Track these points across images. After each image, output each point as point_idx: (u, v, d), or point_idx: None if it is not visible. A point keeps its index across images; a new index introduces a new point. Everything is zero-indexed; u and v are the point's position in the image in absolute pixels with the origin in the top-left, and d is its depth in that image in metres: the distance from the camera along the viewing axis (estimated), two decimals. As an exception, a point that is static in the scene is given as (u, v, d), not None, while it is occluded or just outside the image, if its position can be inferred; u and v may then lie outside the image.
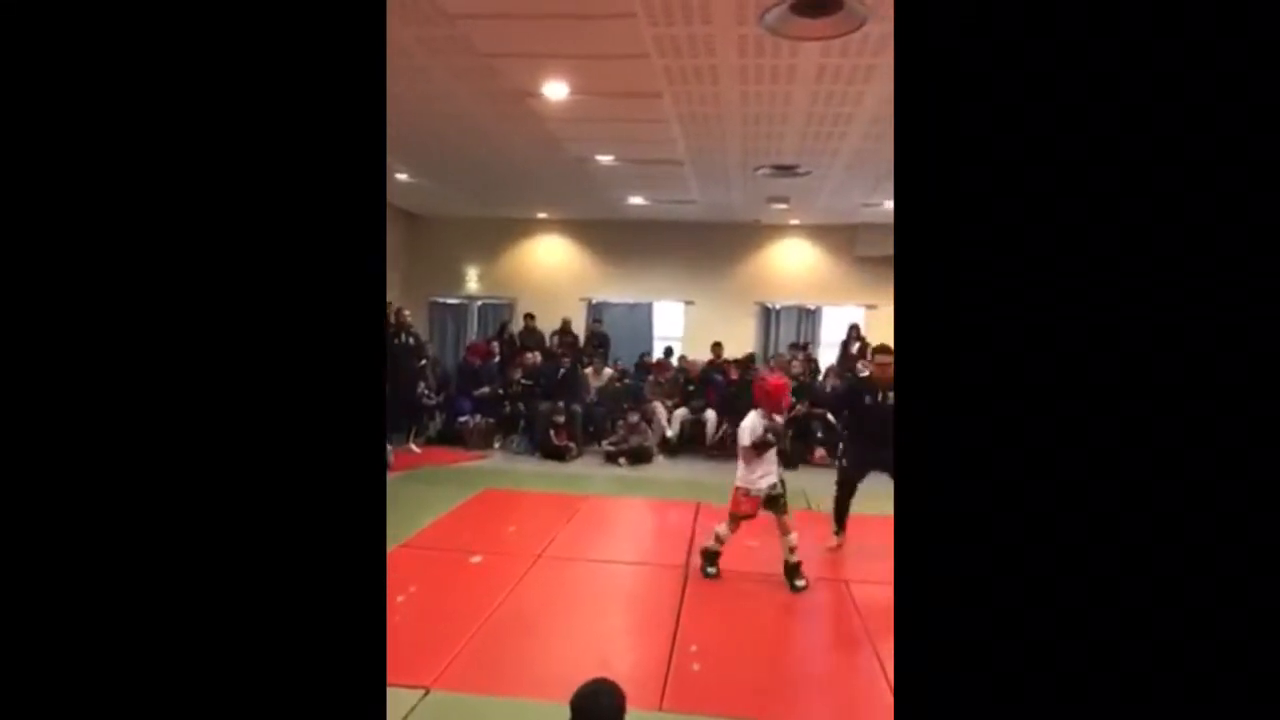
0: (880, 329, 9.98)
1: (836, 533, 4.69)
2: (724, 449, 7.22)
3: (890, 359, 4.81)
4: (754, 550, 4.36)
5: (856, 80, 4.63)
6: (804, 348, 9.51)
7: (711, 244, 10.32)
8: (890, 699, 2.84)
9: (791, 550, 3.93)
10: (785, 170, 6.96)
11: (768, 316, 10.60)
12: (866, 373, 5.48)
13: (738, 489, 3.94)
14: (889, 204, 8.36)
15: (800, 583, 3.91)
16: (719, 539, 4.03)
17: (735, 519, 3.97)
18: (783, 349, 9.77)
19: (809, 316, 10.56)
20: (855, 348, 9.14)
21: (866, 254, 9.85)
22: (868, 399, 4.62)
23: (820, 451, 7.45)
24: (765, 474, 3.89)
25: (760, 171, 7.03)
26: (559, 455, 7.26)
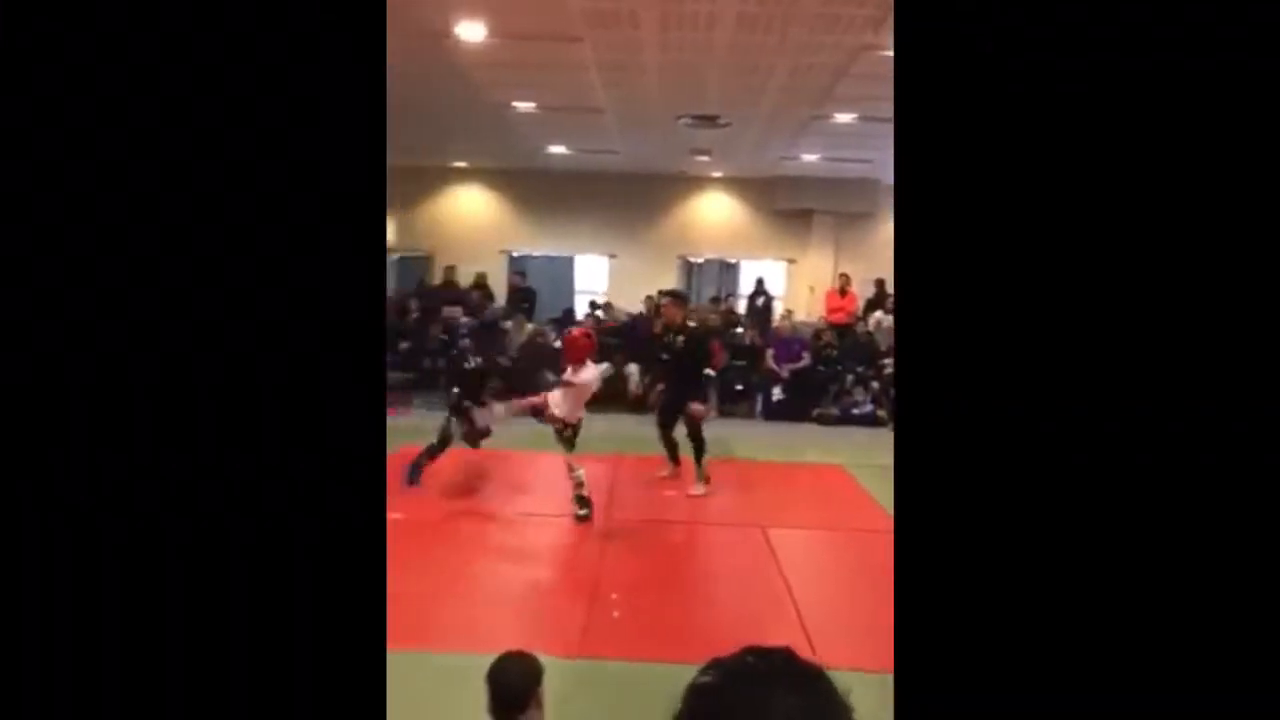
0: (797, 283, 10.19)
1: (673, 463, 5.03)
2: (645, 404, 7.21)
3: (670, 300, 5.01)
4: (671, 499, 4.43)
5: (774, 29, 4.61)
6: (724, 300, 9.61)
7: (634, 196, 10.22)
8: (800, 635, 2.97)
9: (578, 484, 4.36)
10: (707, 120, 6.92)
11: (689, 270, 10.64)
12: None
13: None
14: (806, 157, 8.44)
15: (582, 512, 4.33)
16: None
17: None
18: (704, 302, 9.85)
19: (729, 270, 10.65)
20: (761, 301, 9.26)
21: (785, 207, 9.96)
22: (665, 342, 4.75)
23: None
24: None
25: (682, 121, 6.98)
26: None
